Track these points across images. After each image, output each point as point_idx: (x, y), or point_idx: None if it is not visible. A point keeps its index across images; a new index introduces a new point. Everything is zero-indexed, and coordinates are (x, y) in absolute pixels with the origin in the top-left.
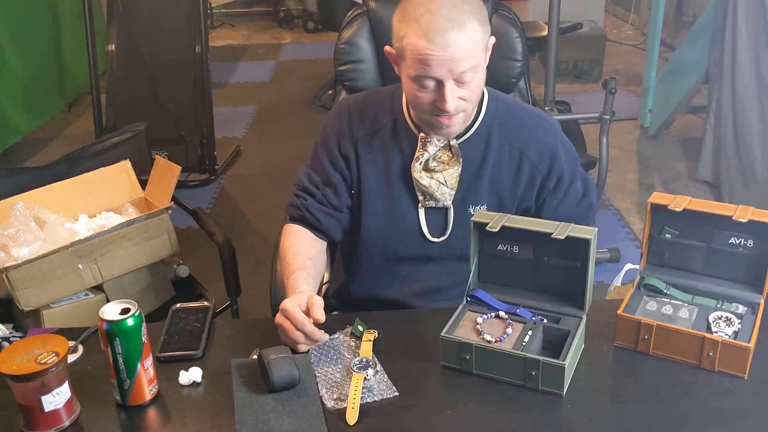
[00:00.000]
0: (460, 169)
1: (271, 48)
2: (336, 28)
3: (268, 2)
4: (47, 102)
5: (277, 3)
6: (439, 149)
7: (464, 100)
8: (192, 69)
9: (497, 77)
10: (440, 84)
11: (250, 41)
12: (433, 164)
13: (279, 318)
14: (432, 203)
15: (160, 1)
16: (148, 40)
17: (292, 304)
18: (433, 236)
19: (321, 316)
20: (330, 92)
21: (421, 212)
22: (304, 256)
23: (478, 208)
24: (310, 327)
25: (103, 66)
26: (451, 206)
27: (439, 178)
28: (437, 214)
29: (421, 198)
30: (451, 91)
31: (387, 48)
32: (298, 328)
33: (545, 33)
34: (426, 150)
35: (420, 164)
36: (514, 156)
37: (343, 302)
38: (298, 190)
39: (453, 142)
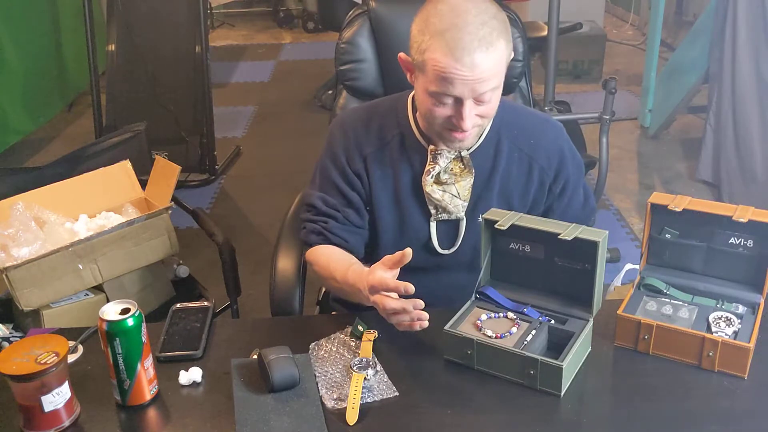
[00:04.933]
0: (472, 180)
1: (271, 48)
2: (336, 28)
3: (268, 2)
4: (47, 102)
5: (277, 3)
6: (450, 161)
7: (480, 117)
8: (192, 69)
9: None
10: (459, 101)
11: (250, 41)
12: (444, 177)
13: (377, 297)
14: (444, 216)
15: (160, 0)
16: (148, 40)
17: (382, 271)
18: (443, 248)
19: (411, 287)
20: (330, 92)
21: (433, 225)
22: (349, 258)
23: None
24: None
25: (103, 66)
26: (464, 217)
27: (451, 190)
28: (449, 226)
29: (433, 211)
30: (470, 110)
31: (401, 55)
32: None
33: (545, 33)
34: (437, 163)
35: (431, 178)
36: (523, 162)
37: (348, 309)
38: (314, 216)
39: (464, 153)
